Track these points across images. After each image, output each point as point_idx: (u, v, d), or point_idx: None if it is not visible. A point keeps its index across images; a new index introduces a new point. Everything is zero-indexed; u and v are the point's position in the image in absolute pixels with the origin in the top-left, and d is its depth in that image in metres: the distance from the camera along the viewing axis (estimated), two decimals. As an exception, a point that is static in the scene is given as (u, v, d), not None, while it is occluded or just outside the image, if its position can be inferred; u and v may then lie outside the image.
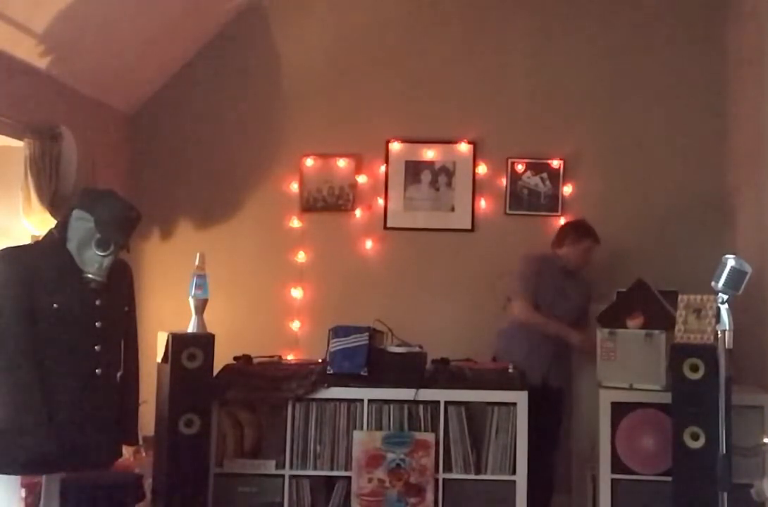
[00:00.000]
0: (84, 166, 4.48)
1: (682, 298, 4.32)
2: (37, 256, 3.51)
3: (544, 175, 5.64)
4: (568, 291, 5.10)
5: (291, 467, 4.41)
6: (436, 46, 5.73)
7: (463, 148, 5.70)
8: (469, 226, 5.66)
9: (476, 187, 5.69)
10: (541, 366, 4.91)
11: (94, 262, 3.51)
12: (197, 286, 4.33)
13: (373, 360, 4.44)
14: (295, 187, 5.74)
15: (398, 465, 4.32)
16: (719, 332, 3.28)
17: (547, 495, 4.99)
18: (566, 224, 5.30)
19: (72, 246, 3.52)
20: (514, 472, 4.33)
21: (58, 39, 4.41)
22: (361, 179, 5.73)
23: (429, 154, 5.71)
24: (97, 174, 4.68)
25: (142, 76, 5.53)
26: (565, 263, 5.11)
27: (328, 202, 5.73)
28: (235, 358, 4.61)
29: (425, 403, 4.40)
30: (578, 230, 5.12)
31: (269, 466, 4.41)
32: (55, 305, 3.43)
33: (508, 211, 5.66)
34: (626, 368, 4.47)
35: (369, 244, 5.70)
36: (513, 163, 5.66)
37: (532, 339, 4.98)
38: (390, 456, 4.33)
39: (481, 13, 5.74)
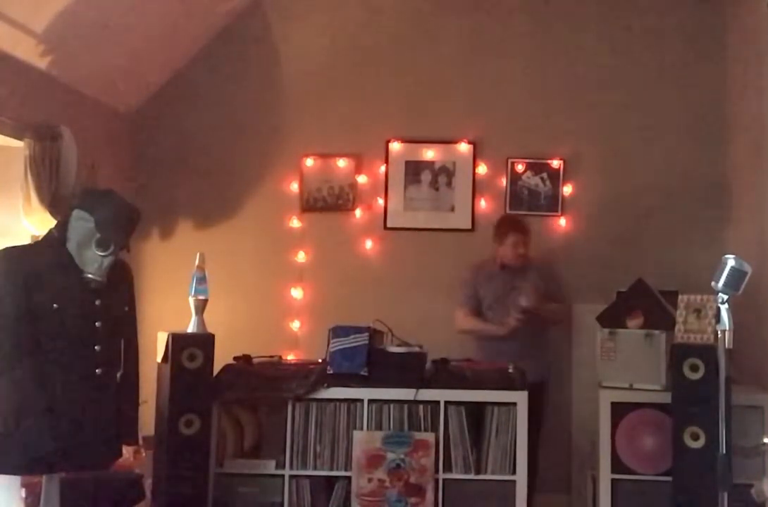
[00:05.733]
0: (84, 166, 4.48)
1: (682, 298, 4.32)
2: (37, 256, 3.52)
3: (544, 175, 5.64)
4: (510, 288, 5.15)
5: (291, 467, 4.40)
6: (436, 46, 5.73)
7: (463, 148, 5.70)
8: (469, 226, 5.67)
9: (476, 187, 5.69)
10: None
11: (94, 262, 3.52)
12: (197, 286, 4.33)
13: (373, 360, 4.43)
14: (295, 187, 5.74)
15: (398, 465, 4.32)
16: (719, 332, 3.29)
17: (528, 494, 4.95)
18: (495, 222, 5.34)
19: (72, 246, 3.53)
20: (514, 472, 4.32)
21: (58, 39, 4.41)
22: (361, 179, 5.73)
23: (429, 154, 5.71)
24: (97, 174, 4.68)
25: (142, 76, 5.52)
26: (503, 262, 5.19)
27: (328, 202, 5.73)
28: (235, 358, 4.61)
29: (425, 403, 4.39)
30: (501, 226, 5.23)
31: (269, 466, 4.41)
32: (55, 305, 3.43)
33: (508, 211, 5.65)
34: (626, 368, 4.47)
35: (369, 244, 5.70)
36: (513, 163, 5.66)
37: (496, 345, 5.03)
38: (390, 456, 4.32)
39: (481, 13, 5.74)
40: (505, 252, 5.17)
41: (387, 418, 4.39)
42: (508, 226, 5.19)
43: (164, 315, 5.21)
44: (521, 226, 5.18)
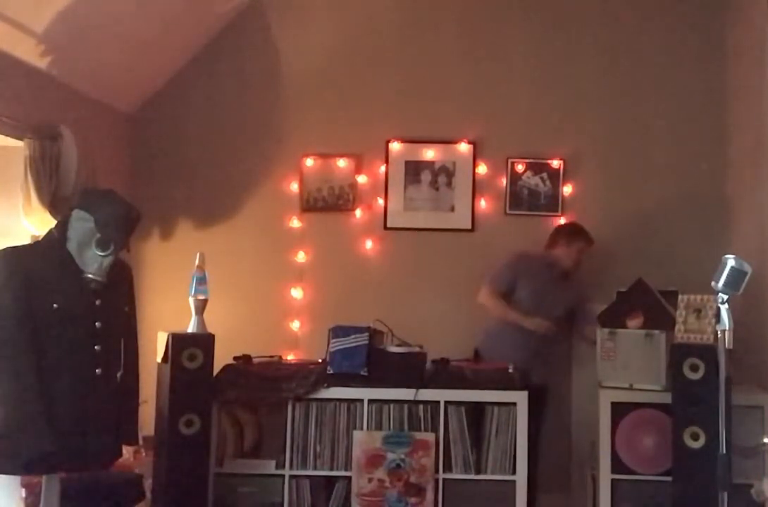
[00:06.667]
0: (84, 166, 4.47)
1: (682, 298, 4.33)
2: (37, 256, 3.51)
3: (544, 175, 5.64)
4: (553, 290, 5.18)
5: (291, 467, 4.41)
6: (436, 46, 5.73)
7: (463, 148, 5.70)
8: (469, 226, 5.67)
9: (476, 187, 5.69)
10: (521, 363, 4.91)
11: (94, 262, 3.51)
12: (197, 286, 4.34)
13: (373, 360, 4.44)
14: (295, 187, 5.74)
15: (398, 465, 4.32)
16: (719, 332, 3.28)
17: (530, 495, 4.97)
18: (560, 226, 5.39)
19: (72, 246, 3.52)
20: (514, 472, 4.33)
21: (58, 39, 4.41)
22: (361, 179, 5.73)
23: (429, 154, 5.71)
24: (97, 174, 4.67)
25: (142, 76, 5.52)
26: (557, 263, 5.21)
27: (328, 202, 5.72)
28: (235, 358, 4.61)
29: (425, 403, 4.40)
30: (572, 232, 5.26)
31: (269, 466, 4.41)
32: (55, 305, 3.43)
33: (508, 211, 5.66)
34: (626, 368, 4.47)
35: (369, 244, 5.70)
36: (513, 163, 5.66)
37: (513, 336, 5.05)
38: (390, 456, 4.33)
39: (480, 13, 5.74)
40: (567, 254, 5.19)
41: (387, 418, 4.39)
42: (580, 233, 5.24)
43: (164, 315, 5.21)
44: (591, 237, 5.24)
